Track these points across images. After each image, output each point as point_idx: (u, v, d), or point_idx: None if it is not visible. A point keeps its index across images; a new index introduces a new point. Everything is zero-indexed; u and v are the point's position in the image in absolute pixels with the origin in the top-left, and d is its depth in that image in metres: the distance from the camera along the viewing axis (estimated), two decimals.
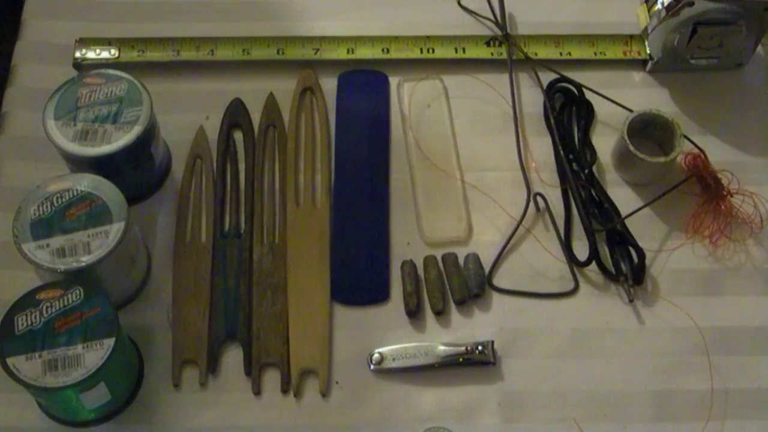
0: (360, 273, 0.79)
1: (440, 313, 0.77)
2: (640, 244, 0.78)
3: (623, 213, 0.80)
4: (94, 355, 0.66)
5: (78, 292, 0.68)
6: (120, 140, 0.74)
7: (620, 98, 0.85)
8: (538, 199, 0.81)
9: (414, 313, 0.77)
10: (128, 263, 0.74)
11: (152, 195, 0.81)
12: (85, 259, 0.69)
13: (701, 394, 0.74)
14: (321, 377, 0.74)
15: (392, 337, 0.76)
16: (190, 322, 0.76)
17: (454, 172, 0.83)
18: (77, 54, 0.87)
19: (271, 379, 0.74)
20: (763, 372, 0.75)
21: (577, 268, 0.79)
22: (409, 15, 0.91)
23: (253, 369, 0.74)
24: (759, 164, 0.84)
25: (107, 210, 0.71)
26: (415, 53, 0.88)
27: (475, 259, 0.78)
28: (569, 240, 0.80)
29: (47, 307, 0.67)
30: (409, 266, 0.78)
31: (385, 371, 0.74)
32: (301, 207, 0.81)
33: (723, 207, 0.80)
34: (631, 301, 0.77)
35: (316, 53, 0.88)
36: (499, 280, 0.79)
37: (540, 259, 0.79)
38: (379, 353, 0.75)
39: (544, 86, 0.86)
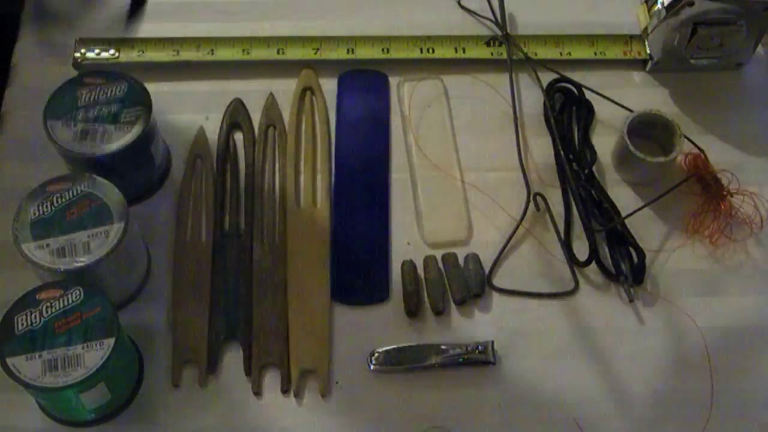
0: (360, 273, 0.79)
1: (440, 313, 0.77)
2: (640, 244, 0.78)
3: (623, 213, 0.80)
4: (94, 355, 0.66)
5: (78, 292, 0.68)
6: (120, 140, 0.74)
7: (620, 98, 0.85)
8: (538, 199, 0.81)
9: (414, 313, 0.76)
10: (128, 263, 0.74)
11: (152, 195, 0.81)
12: (85, 259, 0.69)
13: (701, 394, 0.74)
14: (321, 377, 0.74)
15: (392, 337, 0.76)
16: (190, 322, 0.75)
17: (454, 172, 0.83)
18: (77, 54, 0.87)
19: (271, 379, 0.74)
20: (763, 372, 0.75)
21: (577, 268, 0.79)
22: (409, 15, 0.91)
23: (253, 369, 0.74)
24: (759, 164, 0.84)
25: (107, 210, 0.71)
26: (415, 53, 0.88)
27: (475, 259, 0.78)
28: (569, 240, 0.80)
29: (47, 307, 0.67)
30: (409, 266, 0.78)
31: (385, 371, 0.74)
32: (301, 207, 0.81)
33: (723, 207, 0.80)
34: (631, 301, 0.77)
35: (316, 53, 0.88)
36: (499, 280, 0.79)
37: (540, 259, 0.79)
38: (379, 353, 0.75)
39: (544, 86, 0.86)
